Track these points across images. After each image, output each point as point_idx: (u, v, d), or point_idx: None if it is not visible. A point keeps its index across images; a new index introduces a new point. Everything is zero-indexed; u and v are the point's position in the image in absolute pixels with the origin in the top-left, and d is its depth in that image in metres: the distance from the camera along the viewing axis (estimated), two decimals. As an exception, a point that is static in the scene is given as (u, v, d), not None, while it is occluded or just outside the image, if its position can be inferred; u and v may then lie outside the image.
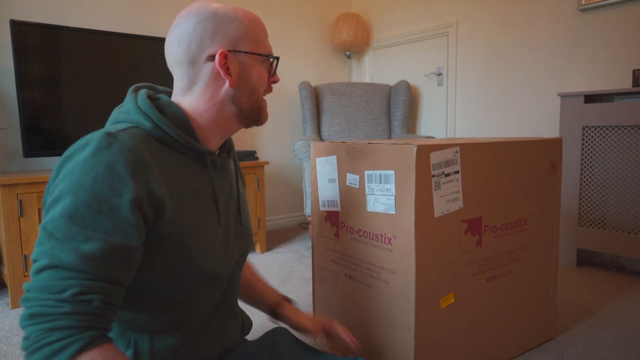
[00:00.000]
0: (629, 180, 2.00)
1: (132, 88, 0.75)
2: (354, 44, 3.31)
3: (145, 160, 0.64)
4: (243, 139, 3.02)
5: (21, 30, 1.88)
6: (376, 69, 3.50)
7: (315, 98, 3.01)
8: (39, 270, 0.57)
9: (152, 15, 2.55)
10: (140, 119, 0.69)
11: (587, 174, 2.13)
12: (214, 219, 0.76)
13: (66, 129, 2.03)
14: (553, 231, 1.41)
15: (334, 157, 1.25)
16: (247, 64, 0.75)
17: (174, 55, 0.74)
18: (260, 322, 1.62)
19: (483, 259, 1.20)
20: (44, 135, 1.97)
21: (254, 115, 0.79)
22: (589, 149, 2.11)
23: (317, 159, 1.31)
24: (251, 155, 2.51)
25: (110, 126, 0.68)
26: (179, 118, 0.72)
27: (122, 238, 0.60)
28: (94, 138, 0.62)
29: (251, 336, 1.49)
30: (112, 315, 0.60)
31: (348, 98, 3.01)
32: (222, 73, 0.72)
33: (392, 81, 3.38)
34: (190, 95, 0.75)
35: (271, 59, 0.78)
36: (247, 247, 0.89)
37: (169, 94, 0.81)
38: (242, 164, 2.42)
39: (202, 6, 0.73)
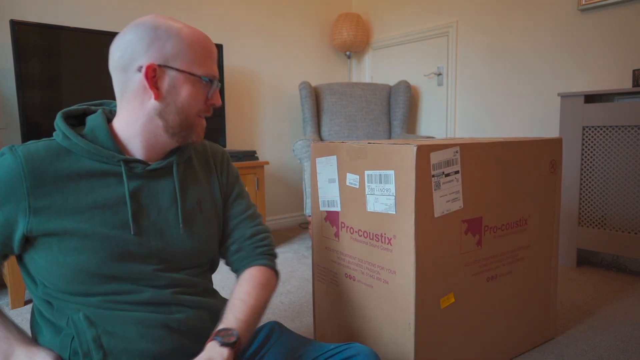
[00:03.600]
0: (629, 180, 2.00)
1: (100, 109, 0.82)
2: (354, 44, 3.31)
3: (25, 173, 0.70)
4: (243, 139, 3.02)
5: (21, 30, 1.88)
6: (376, 69, 3.50)
7: (315, 98, 3.01)
8: None
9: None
10: (56, 132, 0.76)
11: (587, 174, 2.13)
12: (120, 225, 0.74)
13: (66, 129, 2.03)
14: (553, 231, 1.41)
15: (334, 157, 1.25)
16: (177, 81, 0.75)
17: (111, 61, 0.77)
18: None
19: (483, 259, 1.20)
20: (44, 135, 1.97)
21: (183, 133, 0.79)
22: (589, 149, 2.11)
23: (317, 159, 1.31)
24: (251, 155, 2.51)
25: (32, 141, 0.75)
26: (94, 128, 0.77)
27: None
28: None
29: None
30: None
31: (348, 98, 3.01)
32: (147, 85, 0.74)
33: (392, 81, 3.38)
34: (122, 103, 0.78)
35: (205, 81, 0.78)
36: (193, 253, 0.83)
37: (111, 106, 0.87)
38: (242, 163, 2.41)
39: (149, 19, 0.76)
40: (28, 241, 0.73)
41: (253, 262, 0.89)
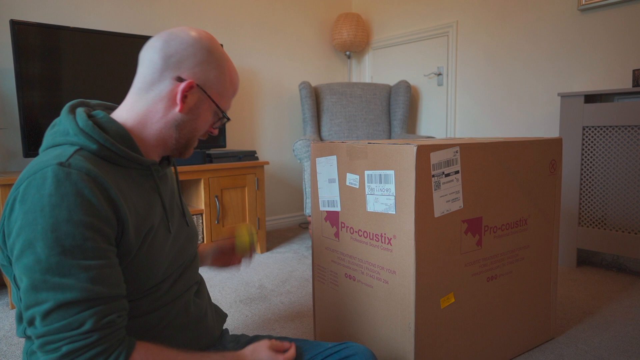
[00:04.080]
0: (629, 180, 2.00)
1: (67, 107, 0.74)
2: (354, 44, 3.31)
3: (104, 181, 0.66)
4: (243, 138, 3.02)
5: (21, 30, 1.88)
6: (376, 69, 3.50)
7: (315, 98, 3.01)
8: (47, 314, 0.58)
9: (152, 15, 2.55)
10: (83, 141, 0.68)
11: (587, 174, 2.13)
12: (164, 227, 0.80)
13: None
14: (553, 231, 1.41)
15: (334, 157, 1.25)
16: (203, 104, 0.79)
17: (152, 52, 0.75)
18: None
19: (483, 259, 1.20)
20: (43, 135, 1.96)
21: (182, 148, 0.82)
22: (589, 149, 2.11)
23: (317, 159, 1.31)
24: (251, 155, 2.51)
25: (56, 154, 0.65)
26: (121, 135, 0.75)
27: (107, 258, 0.64)
28: (47, 171, 0.61)
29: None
30: (126, 323, 0.68)
31: (348, 98, 3.01)
32: (178, 96, 0.75)
33: (392, 81, 3.38)
34: (143, 98, 0.76)
35: (222, 116, 0.83)
36: (196, 242, 0.95)
37: (103, 107, 0.83)
38: (242, 163, 2.41)
39: (207, 39, 0.78)
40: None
41: None
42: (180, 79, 0.75)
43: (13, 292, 0.72)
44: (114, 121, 0.75)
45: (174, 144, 0.80)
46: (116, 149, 0.71)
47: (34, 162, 0.65)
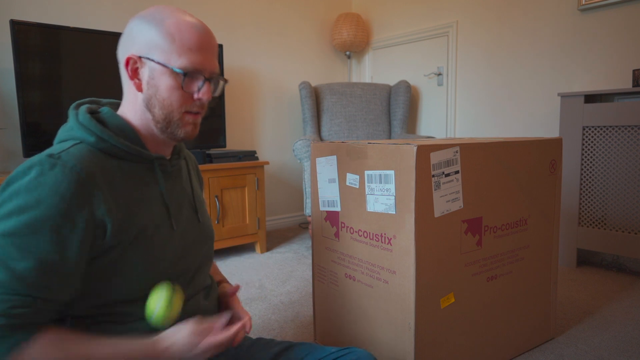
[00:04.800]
0: (629, 180, 2.00)
1: (73, 105, 0.76)
2: (354, 44, 3.31)
3: (89, 178, 0.65)
4: (243, 138, 3.02)
5: (21, 30, 1.88)
6: (376, 69, 3.50)
7: (315, 98, 3.01)
8: None
9: (152, 15, 2.55)
10: (82, 134, 0.70)
11: (587, 174, 2.13)
12: (166, 223, 0.76)
13: (66, 129, 2.03)
14: (553, 231, 1.41)
15: (334, 157, 1.25)
16: (155, 73, 0.72)
17: (117, 55, 0.76)
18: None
19: (483, 259, 1.20)
20: (44, 135, 1.97)
21: (170, 129, 0.75)
22: (589, 149, 2.11)
23: (317, 159, 1.31)
24: (251, 155, 2.51)
25: (54, 147, 0.69)
26: (121, 127, 0.73)
27: (59, 257, 0.62)
28: (36, 161, 0.63)
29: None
30: (42, 321, 0.63)
31: (348, 98, 3.01)
32: (127, 76, 0.73)
33: (392, 81, 3.38)
34: (125, 100, 0.77)
35: (181, 74, 0.71)
36: (210, 243, 0.90)
37: (115, 105, 0.82)
38: (242, 163, 2.41)
39: (144, 11, 0.75)
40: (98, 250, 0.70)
41: None
42: (126, 61, 0.73)
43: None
44: (116, 116, 0.75)
45: (157, 127, 0.75)
46: (114, 141, 0.70)
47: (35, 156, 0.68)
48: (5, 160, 2.11)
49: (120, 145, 0.71)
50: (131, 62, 0.72)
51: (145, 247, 0.72)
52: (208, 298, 0.86)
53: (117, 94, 2.16)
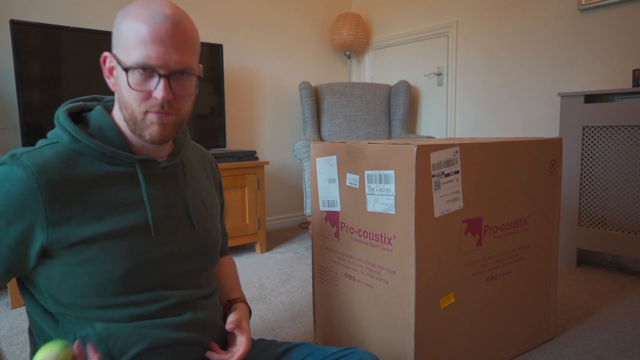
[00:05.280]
0: (629, 180, 2.00)
1: (63, 104, 0.76)
2: (354, 44, 3.31)
3: (38, 185, 0.64)
4: (243, 138, 3.02)
5: (21, 30, 1.88)
6: (376, 69, 3.50)
7: (315, 98, 3.02)
8: None
9: (152, 15, 2.55)
10: (60, 133, 0.69)
11: (587, 174, 2.13)
12: (142, 229, 0.72)
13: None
14: (553, 231, 1.41)
15: (334, 157, 1.25)
16: (118, 70, 0.69)
17: None
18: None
19: (483, 259, 1.20)
20: (43, 135, 1.97)
21: (137, 130, 0.70)
22: (589, 149, 2.11)
23: (317, 159, 1.31)
24: (251, 155, 2.51)
25: (28, 147, 0.69)
26: (102, 128, 0.71)
27: None
28: (2, 158, 0.65)
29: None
30: None
31: (348, 98, 3.01)
32: (105, 74, 0.72)
33: (392, 81, 3.38)
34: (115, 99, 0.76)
35: (124, 70, 0.66)
36: (207, 250, 0.84)
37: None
38: (242, 164, 2.41)
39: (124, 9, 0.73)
40: (44, 255, 0.68)
41: (222, 254, 1.05)
42: (102, 59, 0.72)
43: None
44: (103, 116, 0.72)
45: (128, 127, 0.71)
46: (88, 141, 0.68)
47: None
48: (5, 160, 2.11)
49: (94, 146, 0.69)
50: (107, 60, 0.71)
51: (112, 252, 0.68)
52: (199, 310, 0.80)
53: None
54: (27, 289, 0.74)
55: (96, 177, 0.69)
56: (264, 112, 3.12)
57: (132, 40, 0.66)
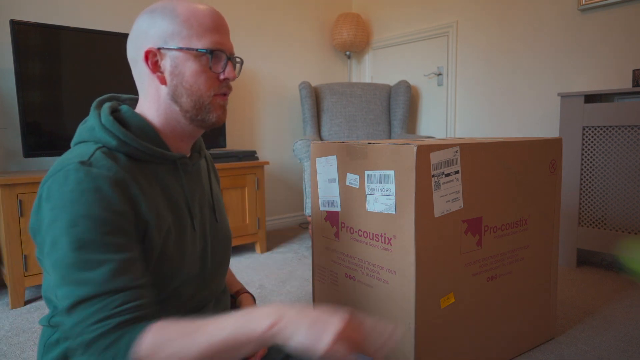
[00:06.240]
0: (629, 180, 2.00)
1: (95, 103, 0.75)
2: (354, 44, 3.31)
3: (123, 179, 0.65)
4: (243, 138, 3.02)
5: (21, 30, 1.88)
6: (376, 69, 3.50)
7: (315, 98, 3.01)
8: (70, 308, 0.59)
9: (152, 15, 2.55)
10: (105, 137, 0.69)
11: (587, 174, 2.13)
12: (188, 224, 0.76)
13: (66, 129, 2.03)
14: (553, 231, 1.41)
15: (334, 157, 1.25)
16: (178, 60, 0.71)
17: (128, 55, 0.75)
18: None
19: (483, 259, 1.20)
20: (43, 135, 1.97)
21: (201, 115, 0.74)
22: (589, 149, 2.11)
23: (317, 159, 1.31)
24: (251, 155, 2.51)
25: (80, 152, 0.67)
26: (143, 128, 0.72)
27: (126, 251, 0.63)
28: (69, 169, 0.63)
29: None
30: (152, 306, 0.64)
31: (348, 98, 3.01)
32: (149, 70, 0.72)
33: (392, 81, 3.38)
34: (143, 95, 0.75)
35: (207, 54, 0.71)
36: (227, 244, 0.88)
37: (134, 101, 0.81)
38: (242, 163, 2.41)
39: (151, 6, 0.73)
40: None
41: None
42: (143, 57, 0.72)
43: (45, 281, 0.73)
44: (137, 115, 0.73)
45: (186, 117, 0.74)
46: (137, 144, 0.69)
47: (60, 160, 0.67)
48: (5, 161, 2.11)
49: (143, 148, 0.70)
50: (150, 55, 0.71)
51: (171, 248, 0.71)
52: (219, 305, 0.85)
53: (116, 93, 2.16)
54: None
55: (145, 176, 0.71)
56: (264, 112, 3.12)
57: (197, 28, 0.71)
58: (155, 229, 0.68)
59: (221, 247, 0.85)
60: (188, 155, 0.80)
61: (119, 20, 2.42)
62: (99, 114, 0.71)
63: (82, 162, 0.64)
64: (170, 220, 0.72)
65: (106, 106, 0.73)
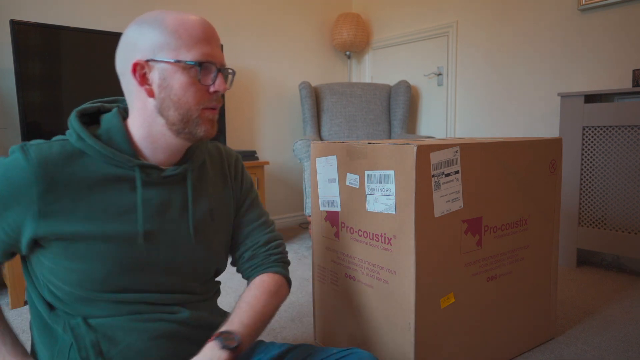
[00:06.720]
0: (629, 180, 2.00)
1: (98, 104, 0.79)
2: (354, 44, 3.31)
3: (37, 177, 0.66)
4: (243, 139, 3.02)
5: (21, 30, 1.88)
6: (376, 69, 3.50)
7: (315, 98, 3.02)
8: None
9: (152, 15, 2.55)
10: (70, 131, 0.72)
11: (587, 174, 2.13)
12: (129, 234, 0.71)
13: (66, 129, 2.03)
14: (553, 231, 1.41)
15: (334, 157, 1.25)
16: (167, 73, 0.69)
17: (116, 67, 0.75)
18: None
19: (483, 259, 1.20)
20: (44, 135, 1.97)
21: (188, 129, 0.72)
22: (589, 149, 2.11)
23: (317, 159, 1.31)
24: (251, 155, 2.51)
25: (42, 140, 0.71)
26: (110, 130, 0.72)
27: None
28: (11, 148, 0.69)
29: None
30: None
31: (348, 98, 3.01)
32: (136, 83, 0.70)
33: (392, 81, 3.38)
34: (130, 106, 0.74)
35: (195, 66, 0.69)
36: (202, 262, 0.81)
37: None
38: (242, 164, 2.41)
39: (140, 17, 0.72)
40: (36, 243, 0.70)
41: (266, 269, 0.88)
42: (133, 68, 0.71)
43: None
44: (115, 118, 0.73)
45: (172, 130, 0.72)
46: (91, 141, 0.69)
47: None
48: (5, 160, 2.11)
49: (96, 146, 0.69)
50: (138, 67, 0.69)
51: (96, 253, 0.69)
52: (193, 309, 0.78)
53: (116, 93, 2.16)
54: (28, 271, 0.76)
55: (94, 177, 0.70)
56: (264, 112, 3.12)
57: (186, 40, 0.69)
58: (62, 224, 0.68)
59: (193, 265, 0.79)
60: (168, 165, 0.77)
61: (119, 20, 2.42)
62: (72, 113, 0.76)
63: (22, 146, 0.68)
64: (100, 226, 0.69)
65: (85, 106, 0.76)
